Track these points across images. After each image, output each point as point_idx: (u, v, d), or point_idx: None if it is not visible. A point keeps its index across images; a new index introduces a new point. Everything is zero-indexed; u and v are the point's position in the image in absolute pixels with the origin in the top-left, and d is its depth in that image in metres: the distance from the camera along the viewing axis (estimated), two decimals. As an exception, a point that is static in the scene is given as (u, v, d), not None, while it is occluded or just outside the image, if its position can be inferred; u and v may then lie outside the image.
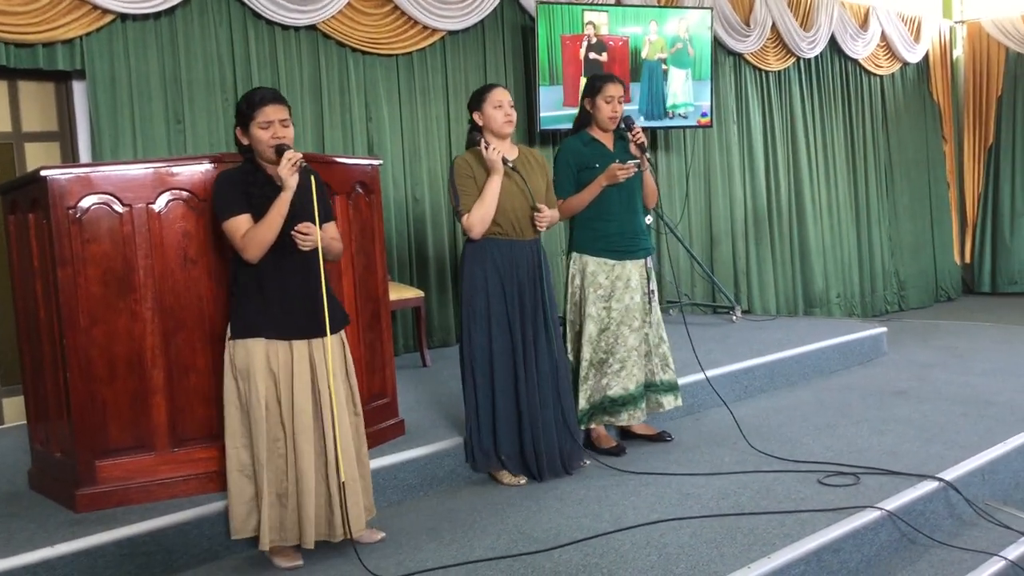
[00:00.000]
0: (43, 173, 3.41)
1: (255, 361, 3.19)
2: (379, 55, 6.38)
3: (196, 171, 3.57)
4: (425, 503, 3.94)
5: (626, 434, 4.61)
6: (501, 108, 3.97)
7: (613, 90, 4.31)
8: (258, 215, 3.18)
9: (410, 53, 6.52)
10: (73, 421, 3.47)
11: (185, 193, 3.55)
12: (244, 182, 3.22)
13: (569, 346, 4.37)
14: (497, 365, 3.99)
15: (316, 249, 3.22)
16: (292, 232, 3.17)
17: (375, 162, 4.28)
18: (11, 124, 5.29)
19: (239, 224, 3.18)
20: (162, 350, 3.54)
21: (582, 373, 4.31)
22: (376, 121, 6.39)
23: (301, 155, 3.18)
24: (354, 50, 6.26)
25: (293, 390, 3.24)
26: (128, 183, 3.50)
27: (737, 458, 4.27)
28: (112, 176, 3.49)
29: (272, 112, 3.20)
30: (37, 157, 5.30)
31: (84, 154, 5.37)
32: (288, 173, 3.14)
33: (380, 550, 3.42)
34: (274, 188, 3.20)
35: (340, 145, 6.19)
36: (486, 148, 3.87)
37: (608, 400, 4.33)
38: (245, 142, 3.27)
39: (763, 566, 3.08)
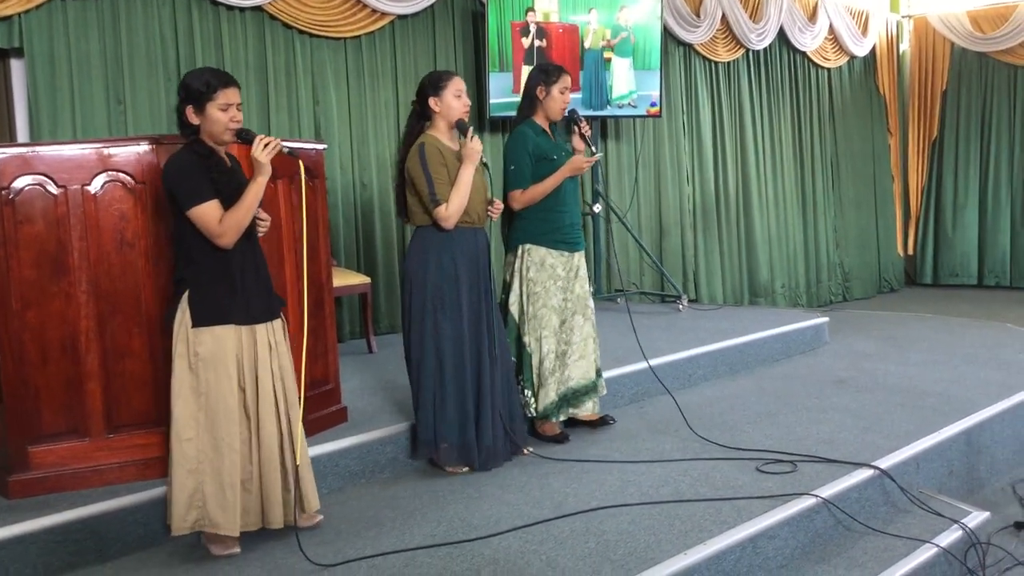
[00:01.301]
0: (-26, 152, 3.34)
1: (226, 348, 3.15)
2: (327, 38, 6.32)
3: (134, 152, 3.50)
4: (366, 490, 3.92)
5: (570, 420, 4.61)
6: (461, 98, 3.92)
7: (567, 81, 4.32)
8: (222, 200, 3.13)
9: (358, 36, 6.46)
10: (5, 406, 3.41)
11: (122, 175, 3.49)
12: (205, 166, 3.15)
13: (527, 339, 4.31)
14: (469, 355, 3.94)
15: (256, 234, 3.31)
16: (257, 219, 3.19)
17: (319, 146, 4.23)
18: (-54, 102, 5.17)
19: (212, 210, 3.10)
20: (97, 334, 3.48)
21: (548, 365, 4.29)
22: (323, 105, 6.33)
23: (279, 140, 3.18)
24: (301, 32, 6.18)
25: (258, 375, 3.22)
26: (63, 164, 3.42)
27: (678, 445, 4.30)
28: (47, 156, 3.42)
29: (232, 95, 3.18)
30: (-27, 136, 5.19)
31: (22, 134, 5.25)
32: (266, 157, 3.13)
33: (318, 536, 3.40)
34: (233, 171, 3.21)
35: (286, 129, 6.12)
36: (471, 137, 3.84)
37: (571, 391, 4.35)
38: (196, 122, 3.19)
39: (699, 552, 3.11)
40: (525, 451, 4.21)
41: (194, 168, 3.13)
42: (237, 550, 3.29)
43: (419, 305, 3.93)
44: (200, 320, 3.15)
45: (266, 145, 3.14)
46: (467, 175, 3.85)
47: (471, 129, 3.89)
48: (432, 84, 3.94)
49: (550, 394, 4.30)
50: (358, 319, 6.41)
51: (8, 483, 3.41)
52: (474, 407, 3.98)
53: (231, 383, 3.16)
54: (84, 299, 3.46)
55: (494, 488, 3.83)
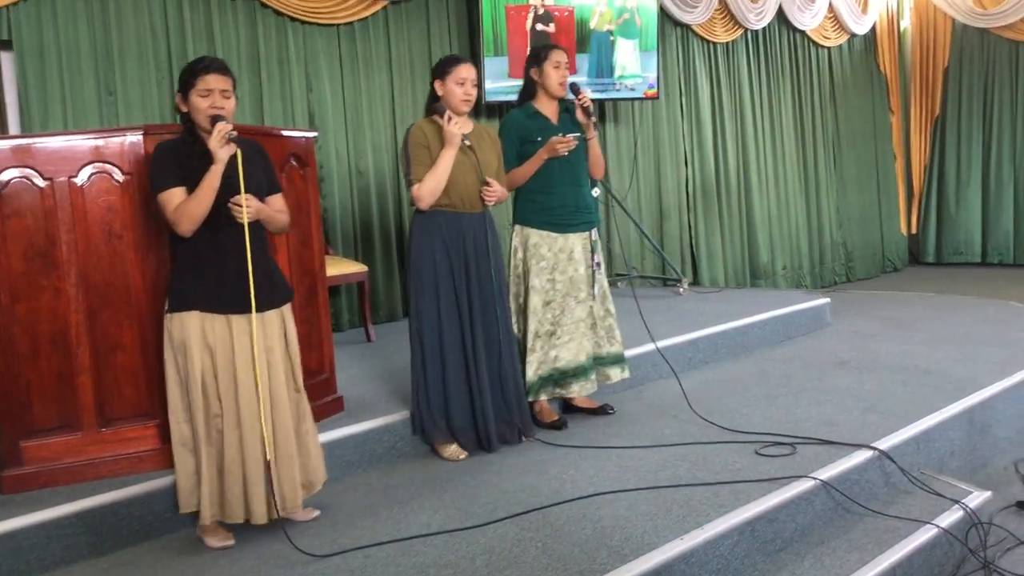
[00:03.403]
0: (-41, 146, 3.31)
1: (190, 335, 3.14)
2: (319, 24, 6.27)
3: (120, 143, 3.45)
4: (363, 480, 3.89)
5: (568, 407, 4.59)
6: (463, 86, 3.91)
7: (559, 56, 4.29)
8: (193, 188, 3.10)
9: (351, 23, 6.41)
10: (-4, 401, 3.38)
11: (109, 166, 3.44)
12: (180, 154, 3.14)
13: (514, 318, 4.33)
14: (447, 338, 3.96)
15: (257, 223, 3.22)
16: (228, 204, 3.12)
17: (309, 134, 4.19)
18: (-64, 96, 5.14)
19: (171, 197, 3.11)
20: (87, 328, 3.44)
21: (528, 344, 4.29)
22: (317, 93, 6.29)
23: (232, 127, 3.12)
24: (293, 19, 6.14)
25: (235, 365, 3.18)
26: (49, 156, 3.38)
27: (677, 430, 4.27)
28: (32, 149, 3.37)
29: (213, 81, 3.14)
30: (-36, 130, 5.16)
31: (13, 126, 5.23)
32: (218, 145, 3.08)
33: (314, 528, 3.38)
34: (211, 160, 3.13)
35: (280, 117, 6.08)
36: (448, 121, 3.83)
37: (558, 372, 4.33)
38: (184, 110, 3.20)
39: (696, 537, 3.08)
40: (527, 438, 4.20)
41: (168, 155, 3.15)
42: (231, 542, 3.27)
43: (409, 288, 4.01)
44: (172, 306, 3.18)
45: (218, 131, 3.08)
46: (445, 159, 3.84)
47: (447, 113, 3.86)
48: (439, 68, 3.96)
49: (528, 373, 4.30)
50: (356, 308, 6.38)
51: (1, 478, 3.39)
52: (466, 391, 4.01)
53: (195, 370, 3.14)
54: (74, 292, 3.43)
55: (491, 475, 3.81)
